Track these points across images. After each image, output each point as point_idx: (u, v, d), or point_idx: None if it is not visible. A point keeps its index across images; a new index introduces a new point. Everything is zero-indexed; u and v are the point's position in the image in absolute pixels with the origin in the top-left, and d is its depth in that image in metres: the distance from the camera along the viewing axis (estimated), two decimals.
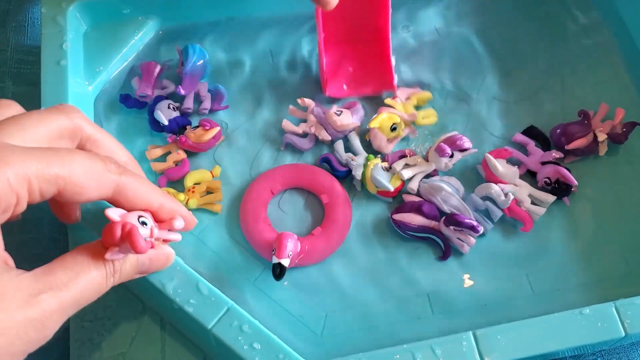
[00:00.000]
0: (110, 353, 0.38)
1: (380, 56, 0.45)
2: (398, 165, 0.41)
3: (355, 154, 0.42)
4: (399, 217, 0.40)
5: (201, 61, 0.45)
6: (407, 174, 0.41)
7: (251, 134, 0.45)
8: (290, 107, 0.44)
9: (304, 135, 0.43)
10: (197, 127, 0.44)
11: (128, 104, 0.44)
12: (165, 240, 0.33)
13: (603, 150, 0.43)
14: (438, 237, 0.40)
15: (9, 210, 0.26)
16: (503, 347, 0.33)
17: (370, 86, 0.45)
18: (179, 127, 0.43)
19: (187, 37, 0.47)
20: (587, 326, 0.33)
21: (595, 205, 0.42)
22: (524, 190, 0.42)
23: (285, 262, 0.37)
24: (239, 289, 0.39)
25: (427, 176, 0.42)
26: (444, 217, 0.40)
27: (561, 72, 0.47)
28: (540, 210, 0.41)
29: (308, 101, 0.44)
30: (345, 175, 0.42)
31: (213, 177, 0.43)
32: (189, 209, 0.41)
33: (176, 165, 0.43)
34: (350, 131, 0.43)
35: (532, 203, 0.42)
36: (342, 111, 0.42)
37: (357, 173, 0.41)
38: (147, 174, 0.43)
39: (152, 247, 0.31)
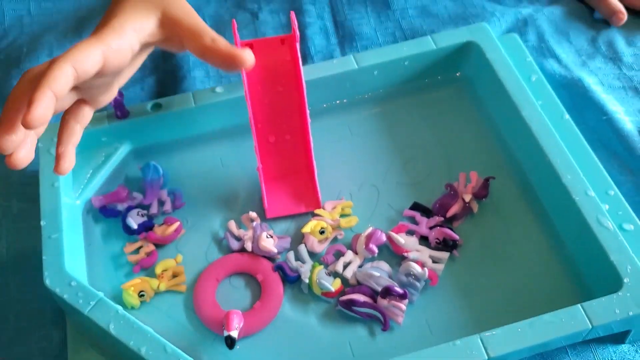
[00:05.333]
0: None
1: (309, 184, 0.57)
2: (339, 267, 0.52)
3: (303, 262, 0.53)
4: (347, 297, 0.50)
5: (157, 175, 0.57)
6: (349, 273, 0.52)
7: (207, 227, 0.56)
8: (244, 215, 0.56)
9: (238, 238, 0.55)
10: (162, 224, 0.56)
11: (106, 214, 0.56)
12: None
13: (475, 207, 0.55)
14: (378, 311, 0.50)
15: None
16: None
17: (302, 207, 0.56)
18: (146, 229, 0.55)
19: (154, 153, 0.60)
20: (458, 354, 0.44)
21: (477, 257, 0.53)
22: (425, 253, 0.53)
23: (234, 333, 0.48)
24: (200, 350, 0.50)
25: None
26: (380, 293, 0.50)
27: (447, 156, 0.60)
28: (440, 266, 0.52)
29: (254, 216, 0.55)
30: (295, 280, 0.52)
31: (177, 263, 0.54)
32: (159, 292, 0.53)
33: (147, 256, 0.54)
34: (273, 254, 0.53)
35: (433, 262, 0.53)
36: (272, 237, 0.54)
37: (305, 278, 0.52)
38: (125, 266, 0.54)
39: None
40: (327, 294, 0.51)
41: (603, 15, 0.70)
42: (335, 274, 0.53)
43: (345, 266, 0.53)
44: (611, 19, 0.69)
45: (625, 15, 0.69)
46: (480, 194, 0.56)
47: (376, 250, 0.53)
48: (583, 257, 0.51)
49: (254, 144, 0.56)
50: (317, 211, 0.56)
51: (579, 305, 0.46)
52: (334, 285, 0.51)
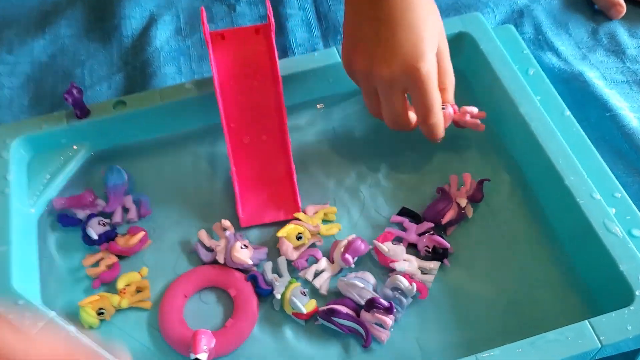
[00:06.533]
0: None
1: (288, 189, 0.52)
2: (309, 274, 0.48)
3: (280, 275, 0.48)
4: (328, 307, 0.45)
5: (121, 180, 0.52)
6: (318, 282, 0.47)
7: (175, 237, 0.51)
8: (216, 223, 0.51)
9: (210, 249, 0.50)
10: (126, 234, 0.51)
11: (65, 222, 0.51)
12: None
13: (470, 212, 0.51)
14: (360, 325, 0.45)
15: None
16: None
17: (280, 214, 0.51)
18: (107, 239, 0.50)
19: (118, 155, 0.55)
20: None
21: (472, 267, 0.48)
22: (414, 264, 0.48)
23: (203, 356, 0.43)
24: None
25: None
26: (364, 306, 0.45)
27: (439, 157, 0.55)
28: (430, 278, 0.48)
29: (228, 225, 0.50)
30: (268, 294, 0.47)
31: (141, 277, 0.49)
32: (121, 309, 0.48)
33: (109, 268, 0.49)
34: (247, 266, 0.48)
35: (422, 273, 0.48)
36: (247, 247, 0.48)
37: (278, 293, 0.47)
38: (83, 280, 0.49)
39: None
40: (299, 315, 0.46)
41: (601, 7, 0.66)
42: (311, 294, 0.47)
43: (317, 275, 0.48)
44: (610, 12, 0.65)
45: (624, 8, 0.64)
46: (475, 198, 0.51)
47: (352, 261, 0.48)
48: (589, 267, 0.47)
49: (227, 145, 0.51)
50: (296, 215, 0.51)
51: (586, 321, 0.41)
52: (307, 306, 0.46)
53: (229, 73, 0.51)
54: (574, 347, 0.40)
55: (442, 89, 0.50)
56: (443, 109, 0.50)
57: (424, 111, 0.47)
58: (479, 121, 0.52)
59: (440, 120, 0.48)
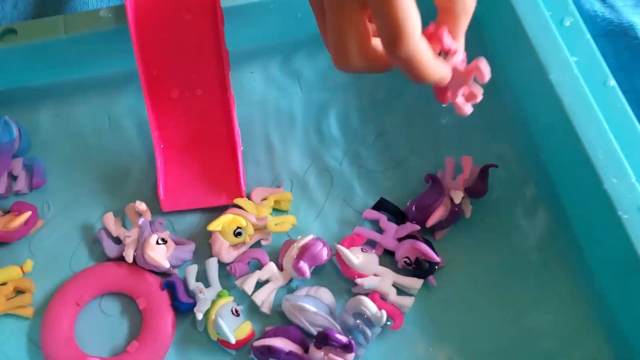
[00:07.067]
0: None
1: (228, 164, 0.40)
2: (248, 286, 0.36)
3: (207, 284, 0.37)
4: (264, 342, 0.34)
5: (8, 137, 0.40)
6: (259, 297, 0.36)
7: (76, 219, 0.40)
8: (129, 205, 0.39)
9: (118, 241, 0.38)
10: (9, 211, 0.39)
11: None
12: None
13: (468, 210, 0.39)
14: None
15: None
16: None
17: (216, 197, 0.39)
18: None
19: (5, 104, 0.43)
20: None
21: (467, 289, 0.37)
22: (387, 280, 0.37)
23: None
24: None
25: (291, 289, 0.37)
26: (314, 340, 0.34)
27: (434, 132, 0.42)
28: (409, 301, 0.36)
29: (144, 209, 0.38)
30: (188, 309, 0.36)
31: (24, 273, 0.38)
32: None
33: None
34: (164, 269, 0.37)
35: (399, 293, 0.37)
36: (166, 242, 0.37)
37: (200, 310, 0.35)
38: None
39: None
40: (227, 343, 0.35)
41: None
42: (249, 312, 0.36)
43: (259, 286, 0.37)
44: None
45: None
46: (476, 190, 0.39)
47: (307, 272, 0.36)
48: (627, 306, 0.35)
49: (145, 100, 0.38)
50: (237, 201, 0.39)
51: None
52: (239, 331, 0.35)
53: (151, 0, 0.37)
54: None
55: (447, 11, 0.32)
56: (448, 52, 0.30)
57: (387, 33, 0.29)
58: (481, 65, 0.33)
59: (419, 51, 0.29)
